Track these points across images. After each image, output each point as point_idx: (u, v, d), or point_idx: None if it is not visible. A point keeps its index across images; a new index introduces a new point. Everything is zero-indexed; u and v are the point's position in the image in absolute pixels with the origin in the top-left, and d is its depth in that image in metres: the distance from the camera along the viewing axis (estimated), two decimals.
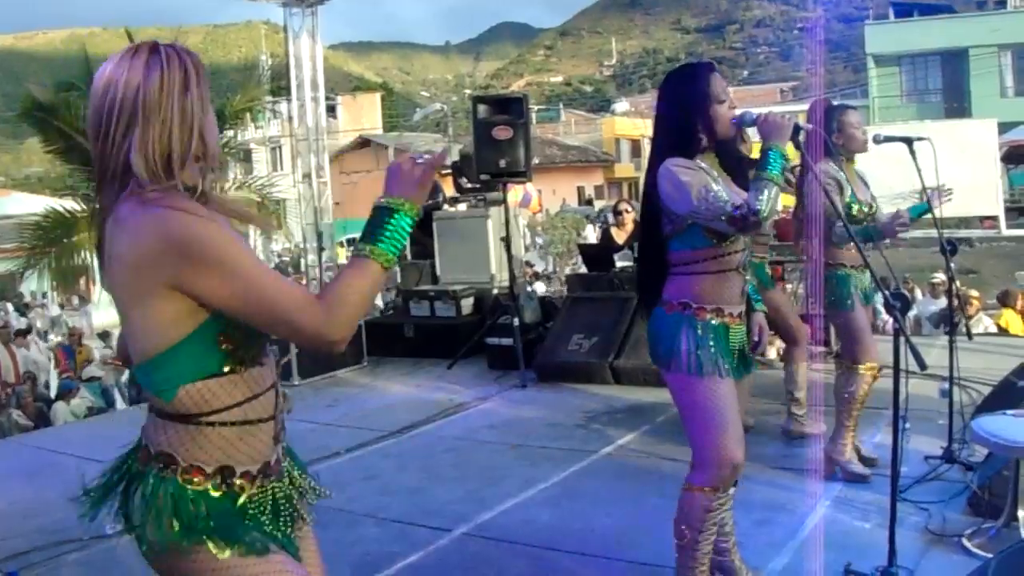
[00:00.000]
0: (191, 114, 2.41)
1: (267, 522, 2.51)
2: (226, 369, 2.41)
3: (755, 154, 4.10)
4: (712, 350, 3.98)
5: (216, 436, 2.42)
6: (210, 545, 2.39)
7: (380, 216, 2.43)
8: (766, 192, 3.77)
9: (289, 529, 2.59)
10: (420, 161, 2.49)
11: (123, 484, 2.54)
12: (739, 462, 4.07)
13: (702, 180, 3.88)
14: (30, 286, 24.98)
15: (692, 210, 3.87)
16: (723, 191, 3.86)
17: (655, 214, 4.05)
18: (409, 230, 2.45)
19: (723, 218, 3.81)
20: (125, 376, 15.41)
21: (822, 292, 5.97)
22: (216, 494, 2.42)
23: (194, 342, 2.37)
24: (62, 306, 25.97)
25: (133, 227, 2.29)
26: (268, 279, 2.32)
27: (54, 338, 22.18)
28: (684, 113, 4.02)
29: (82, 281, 20.05)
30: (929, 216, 6.16)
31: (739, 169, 4.11)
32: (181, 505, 2.39)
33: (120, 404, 15.10)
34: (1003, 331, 12.84)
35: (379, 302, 22.52)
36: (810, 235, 5.84)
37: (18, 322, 22.29)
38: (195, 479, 2.40)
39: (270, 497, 2.53)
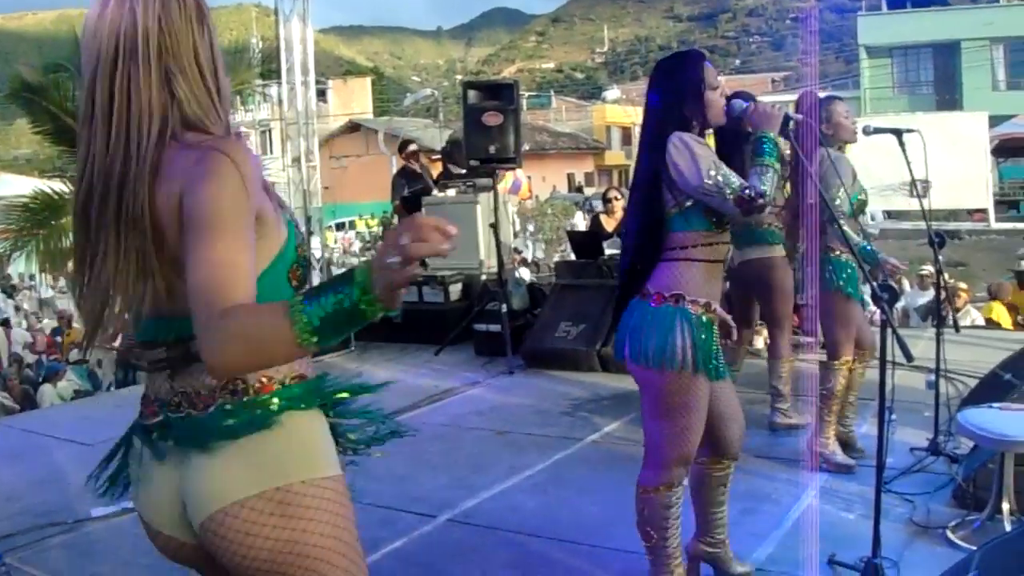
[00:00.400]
0: (210, 47, 2.29)
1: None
2: None
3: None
4: (704, 346, 3.94)
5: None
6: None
7: (341, 282, 1.95)
8: (767, 175, 3.79)
9: None
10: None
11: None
12: (692, 459, 4.12)
13: (712, 156, 3.87)
14: (18, 268, 24.92)
15: (701, 185, 3.81)
16: (730, 171, 3.85)
17: (656, 195, 3.97)
18: (355, 325, 2.00)
19: (730, 197, 3.78)
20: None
21: (817, 282, 5.96)
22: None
23: (270, 276, 2.26)
24: (53, 288, 25.92)
25: (214, 170, 2.09)
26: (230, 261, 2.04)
27: (44, 321, 22.12)
28: (677, 99, 3.99)
29: (70, 263, 20.01)
30: (918, 208, 6.17)
31: (735, 155, 4.06)
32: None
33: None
34: (993, 324, 12.89)
35: None
36: (807, 225, 5.83)
37: (5, 304, 22.23)
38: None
39: None
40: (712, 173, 3.80)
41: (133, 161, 2.18)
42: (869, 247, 5.97)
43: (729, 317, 4.28)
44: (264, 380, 2.29)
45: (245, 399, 2.28)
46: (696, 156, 3.83)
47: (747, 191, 3.77)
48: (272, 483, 2.25)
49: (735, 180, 3.81)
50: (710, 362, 3.95)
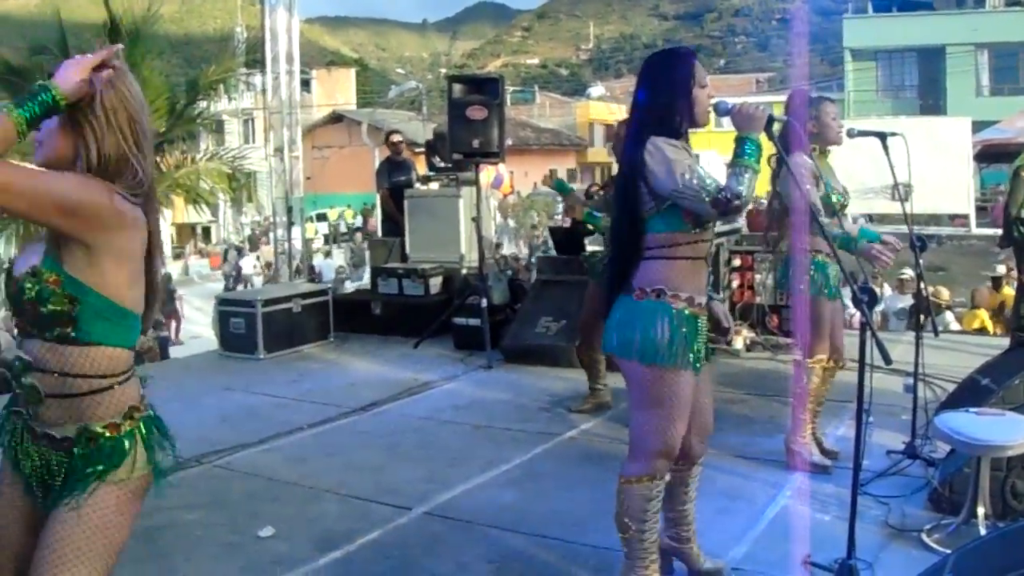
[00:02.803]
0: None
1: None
2: None
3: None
4: (685, 340, 3.98)
5: None
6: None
7: (35, 92, 2.71)
8: (745, 176, 3.79)
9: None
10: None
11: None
12: (676, 452, 4.13)
13: (688, 159, 3.89)
14: None
15: (676, 188, 3.86)
16: (706, 173, 3.86)
17: (634, 194, 4.02)
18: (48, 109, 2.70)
19: (706, 199, 3.82)
20: None
21: (800, 282, 5.96)
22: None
23: None
24: None
25: None
26: None
27: None
28: (667, 95, 4.04)
29: None
30: (900, 212, 6.17)
31: None
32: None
33: None
34: (981, 331, 12.97)
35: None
36: (792, 226, 5.83)
37: None
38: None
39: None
40: (686, 176, 3.84)
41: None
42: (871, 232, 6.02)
43: (724, 310, 4.34)
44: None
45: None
46: (670, 160, 3.88)
47: (723, 193, 3.80)
48: None
49: (710, 182, 3.84)
50: (691, 355, 4.01)
